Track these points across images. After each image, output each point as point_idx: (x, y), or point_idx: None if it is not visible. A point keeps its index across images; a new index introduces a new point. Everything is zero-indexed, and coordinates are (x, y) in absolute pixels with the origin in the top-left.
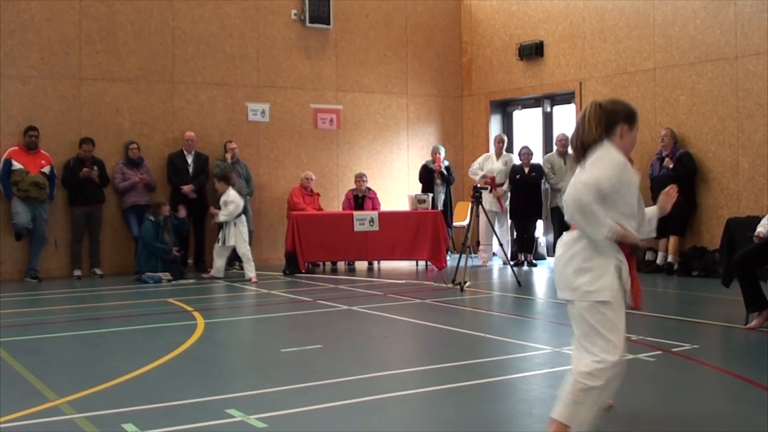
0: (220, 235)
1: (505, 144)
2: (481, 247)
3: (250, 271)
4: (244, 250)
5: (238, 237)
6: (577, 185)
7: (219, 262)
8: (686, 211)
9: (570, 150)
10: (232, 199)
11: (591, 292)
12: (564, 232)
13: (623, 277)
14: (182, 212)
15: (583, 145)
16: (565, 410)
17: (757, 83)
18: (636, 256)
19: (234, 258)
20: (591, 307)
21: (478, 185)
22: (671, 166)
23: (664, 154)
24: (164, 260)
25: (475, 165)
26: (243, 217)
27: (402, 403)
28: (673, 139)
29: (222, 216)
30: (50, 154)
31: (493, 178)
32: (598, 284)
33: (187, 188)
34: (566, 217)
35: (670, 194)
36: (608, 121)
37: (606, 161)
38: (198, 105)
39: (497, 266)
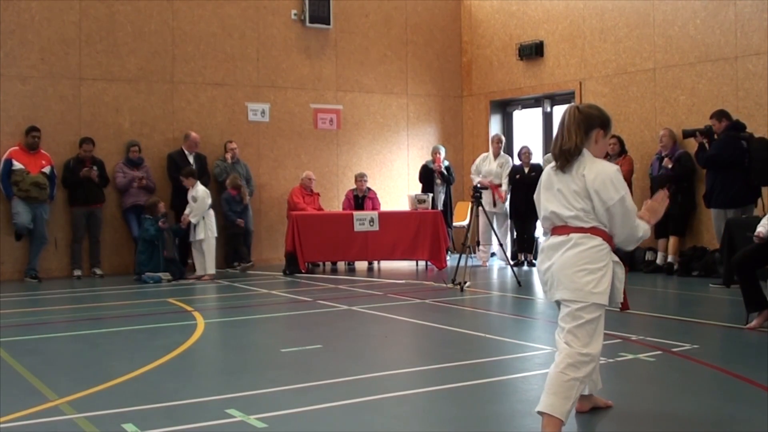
0: (191, 230)
1: (503, 144)
2: (480, 248)
3: (210, 267)
4: (208, 247)
5: (206, 231)
6: (616, 210)
7: (200, 260)
8: (686, 211)
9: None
10: (200, 195)
11: (594, 294)
12: (546, 237)
13: (619, 277)
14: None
15: (563, 152)
16: (558, 402)
17: (757, 83)
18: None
19: (235, 257)
20: (590, 306)
21: (478, 185)
22: (670, 166)
23: (663, 155)
24: (165, 260)
25: (473, 168)
26: (211, 211)
27: (402, 403)
28: (672, 140)
29: (192, 218)
30: (50, 154)
31: (491, 185)
32: (600, 287)
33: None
34: (575, 223)
35: (660, 200)
36: (586, 125)
37: (607, 170)
38: (198, 105)
39: (497, 266)
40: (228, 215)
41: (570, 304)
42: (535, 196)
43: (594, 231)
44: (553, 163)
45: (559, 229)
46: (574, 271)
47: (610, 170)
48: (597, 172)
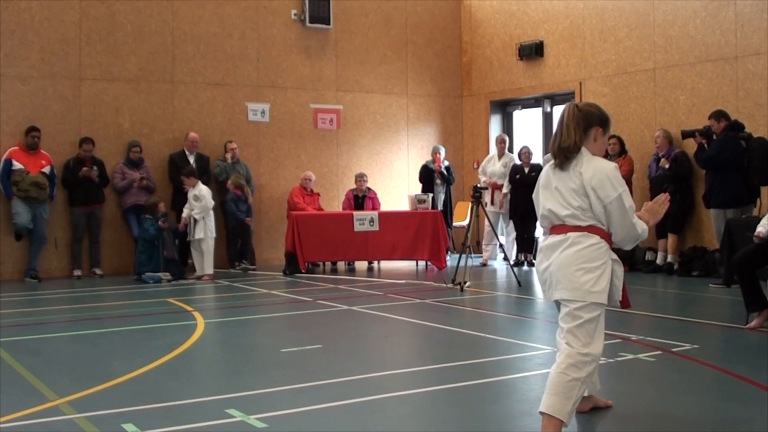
0: (188, 230)
1: (507, 144)
2: (483, 247)
3: (208, 267)
4: (207, 247)
5: (205, 231)
6: (614, 207)
7: (199, 260)
8: (685, 210)
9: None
10: (204, 193)
11: (593, 293)
12: (545, 236)
13: (618, 275)
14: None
15: (562, 149)
16: (559, 403)
17: (757, 83)
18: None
19: (236, 257)
20: (588, 305)
21: (479, 185)
22: (667, 166)
23: (660, 155)
24: (165, 260)
25: (480, 169)
26: (211, 211)
27: (402, 403)
28: (668, 140)
29: (196, 214)
30: (50, 154)
31: (492, 184)
32: (599, 285)
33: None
34: (579, 222)
35: (661, 203)
36: (585, 123)
37: (604, 168)
38: (198, 105)
39: (497, 266)
40: (237, 215)
41: (569, 304)
42: (534, 194)
43: (591, 229)
44: (552, 162)
45: (556, 228)
46: (572, 270)
47: (608, 167)
48: (594, 169)
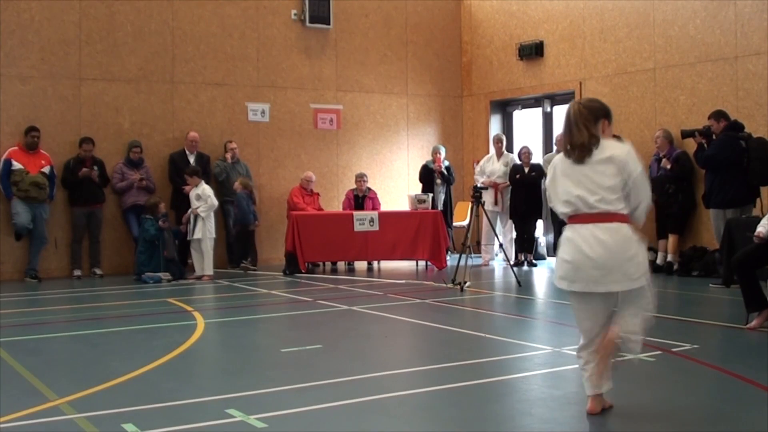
0: (188, 228)
1: (504, 143)
2: (483, 247)
3: (208, 268)
4: (206, 248)
5: (204, 231)
6: (639, 180)
7: (198, 260)
8: (686, 210)
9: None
10: (209, 193)
11: (638, 279)
12: (568, 226)
13: None
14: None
15: (578, 145)
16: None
17: (757, 83)
18: None
19: (243, 255)
20: (643, 287)
21: (479, 185)
22: (668, 166)
23: (661, 155)
24: (165, 260)
25: (478, 169)
26: (211, 212)
27: (402, 403)
28: (668, 140)
29: (202, 211)
30: (50, 154)
31: (493, 184)
32: (642, 269)
33: (188, 188)
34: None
35: None
36: (594, 118)
37: (625, 147)
38: (198, 105)
39: (497, 266)
40: (248, 217)
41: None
42: (548, 183)
43: (618, 217)
44: (561, 155)
45: (582, 217)
46: (626, 257)
47: (627, 147)
48: (618, 148)
